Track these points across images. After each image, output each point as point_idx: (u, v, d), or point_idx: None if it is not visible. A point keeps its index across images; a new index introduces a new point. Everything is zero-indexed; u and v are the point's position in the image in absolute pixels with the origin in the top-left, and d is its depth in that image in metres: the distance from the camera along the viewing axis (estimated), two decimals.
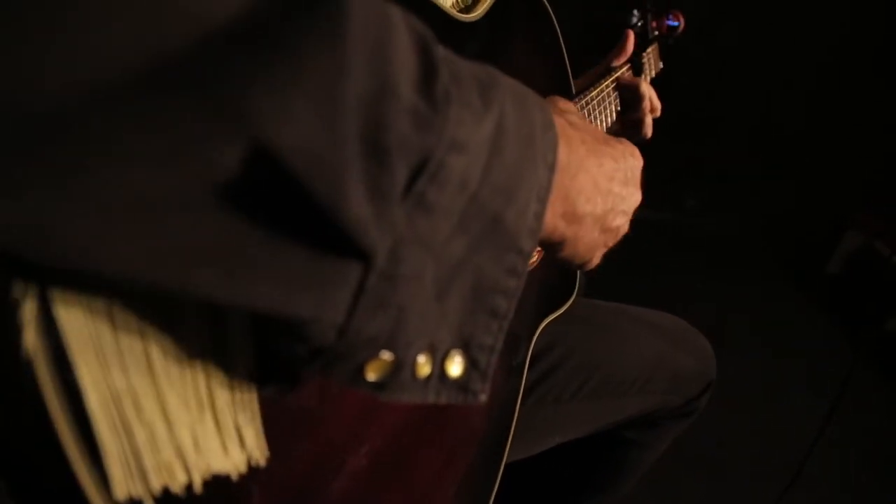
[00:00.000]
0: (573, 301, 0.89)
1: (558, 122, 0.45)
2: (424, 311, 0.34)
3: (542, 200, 0.39)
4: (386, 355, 0.33)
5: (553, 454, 1.00)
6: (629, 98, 1.10)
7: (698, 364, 1.10)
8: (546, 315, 0.83)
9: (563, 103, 0.56)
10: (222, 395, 0.35)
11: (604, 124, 1.02)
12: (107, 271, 0.24)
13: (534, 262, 0.78)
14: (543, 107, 0.41)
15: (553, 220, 0.48)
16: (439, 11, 0.61)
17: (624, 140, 0.60)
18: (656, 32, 1.41)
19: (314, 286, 0.29)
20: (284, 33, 0.25)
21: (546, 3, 0.83)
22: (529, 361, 0.81)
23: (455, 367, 0.37)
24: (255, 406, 0.37)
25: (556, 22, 0.85)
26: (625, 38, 1.13)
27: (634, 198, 0.58)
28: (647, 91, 1.09)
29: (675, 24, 1.45)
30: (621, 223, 0.57)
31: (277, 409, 0.41)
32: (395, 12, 0.30)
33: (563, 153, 0.44)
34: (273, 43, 0.24)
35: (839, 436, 2.02)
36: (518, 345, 0.74)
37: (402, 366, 0.34)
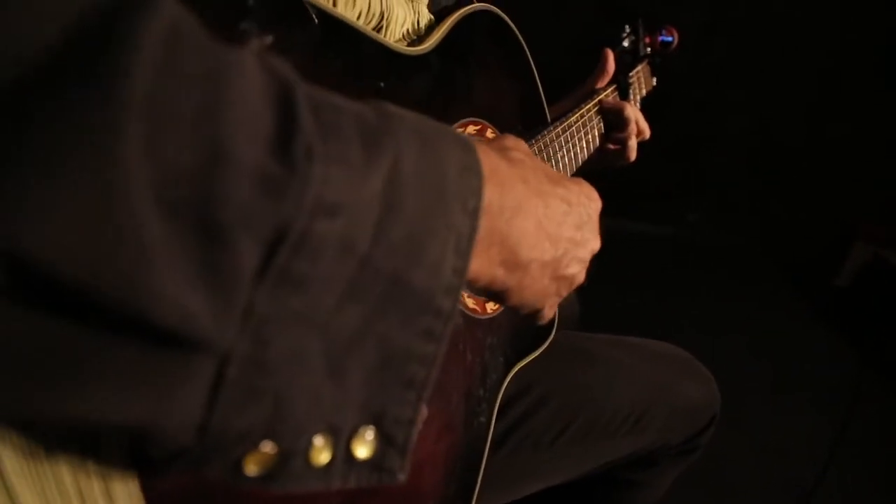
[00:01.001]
0: (550, 342, 0.84)
1: (490, 161, 0.41)
2: (315, 392, 0.30)
3: (464, 253, 0.35)
4: (268, 447, 0.29)
5: (543, 496, 0.94)
6: (614, 122, 1.05)
7: (701, 397, 1.04)
8: (517, 361, 0.77)
9: (512, 141, 0.51)
10: (95, 486, 0.31)
11: (585, 150, 0.96)
12: None
13: (498, 308, 0.73)
14: (465, 146, 0.37)
15: (490, 269, 0.43)
16: (379, 46, 0.56)
17: (581, 181, 0.55)
18: (649, 49, 1.37)
19: (148, 387, 0.25)
20: (32, 104, 0.20)
21: (513, 26, 0.78)
22: (501, 408, 0.75)
23: (363, 448, 0.33)
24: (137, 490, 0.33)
25: (525, 45, 0.80)
26: (604, 59, 1.08)
27: (591, 244, 0.53)
28: (633, 114, 1.04)
29: (669, 39, 1.40)
30: (576, 271, 0.52)
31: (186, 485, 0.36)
32: (243, 59, 0.26)
33: (493, 195, 0.40)
34: (16, 116, 0.20)
35: (849, 458, 1.95)
36: (479, 402, 0.68)
37: (291, 455, 0.30)
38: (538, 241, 0.46)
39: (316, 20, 0.49)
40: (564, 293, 0.53)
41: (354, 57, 0.53)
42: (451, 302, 0.35)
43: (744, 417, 2.09)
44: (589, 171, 1.12)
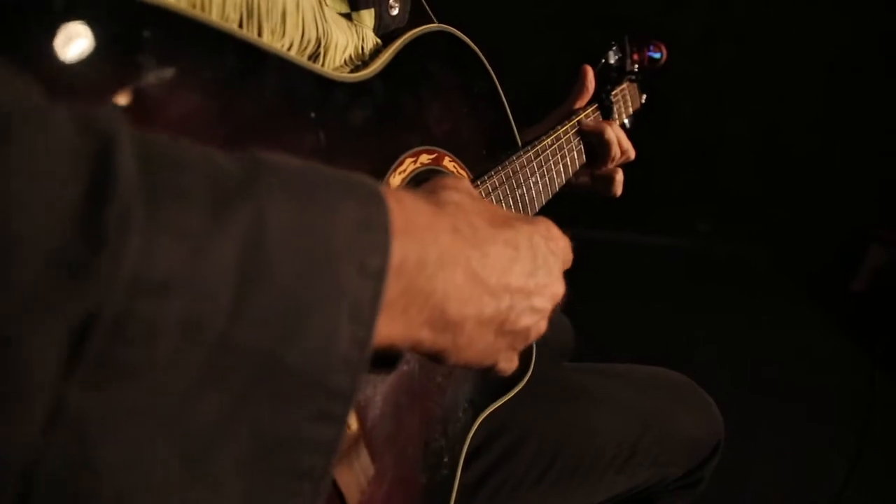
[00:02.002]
0: (526, 381, 0.78)
1: (406, 211, 0.36)
2: (171, 493, 0.27)
3: (365, 321, 0.31)
4: None
5: None
6: (595, 144, 0.99)
7: (701, 426, 0.97)
8: (485, 406, 0.71)
9: (450, 180, 0.46)
10: None
11: (562, 174, 0.91)
12: None
13: None
14: (368, 197, 0.33)
15: (412, 332, 0.38)
16: (310, 74, 0.52)
17: (538, 220, 0.50)
18: (636, 66, 1.31)
19: None
20: None
21: (473, 47, 0.73)
22: (470, 456, 0.70)
23: None
24: None
25: (488, 66, 0.76)
26: (582, 77, 1.02)
27: (550, 290, 0.48)
28: (614, 136, 0.98)
29: (658, 55, 1.35)
30: (530, 323, 0.46)
31: None
32: (43, 113, 0.22)
33: (408, 250, 0.35)
34: None
35: (870, 472, 1.87)
36: (440, 454, 0.63)
37: None
38: (473, 296, 0.41)
39: (231, 50, 0.45)
40: (520, 346, 0.48)
41: (280, 87, 0.49)
42: (349, 379, 0.31)
43: (761, 428, 2.04)
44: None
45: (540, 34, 3.08)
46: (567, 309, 1.29)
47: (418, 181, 0.64)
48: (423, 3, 0.78)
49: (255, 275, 0.27)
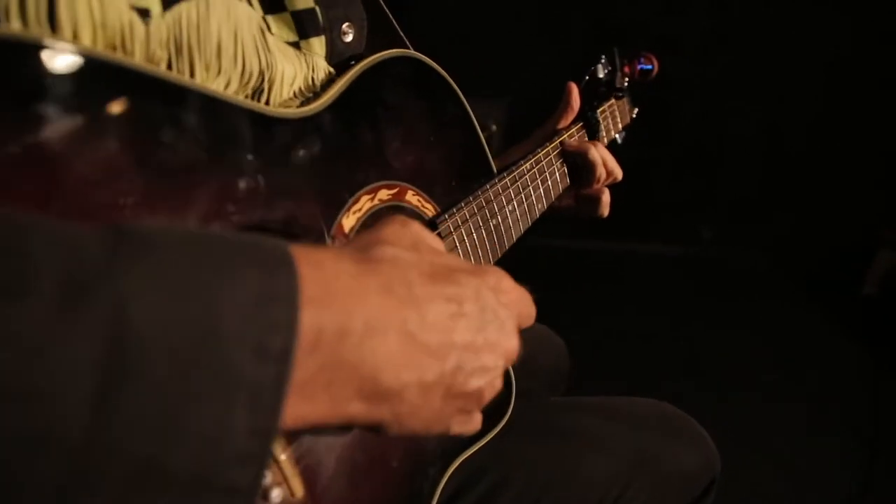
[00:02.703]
0: (505, 423, 0.73)
1: (324, 276, 0.33)
2: None
3: (268, 408, 0.28)
4: None
5: None
6: (580, 165, 0.94)
7: (695, 462, 0.92)
8: (458, 453, 0.67)
9: (388, 231, 0.42)
10: None
11: (543, 200, 0.87)
12: None
13: None
14: (273, 264, 0.30)
15: (340, 409, 0.34)
16: (247, 113, 0.48)
17: (487, 270, 0.45)
18: (626, 80, 1.27)
19: None
20: None
21: (440, 71, 0.69)
22: (451, 497, 0.65)
23: None
24: None
25: (457, 90, 0.71)
26: (567, 94, 0.98)
27: (502, 347, 0.43)
28: (598, 156, 0.93)
29: (649, 67, 1.31)
30: (481, 383, 0.42)
31: None
32: None
33: (325, 320, 0.32)
34: None
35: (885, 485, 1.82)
36: None
37: None
38: (411, 360, 0.37)
39: (153, 94, 0.41)
40: (474, 408, 0.44)
41: (211, 130, 0.45)
42: (249, 474, 0.28)
43: (774, 438, 2.00)
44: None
45: (538, 46, 3.04)
46: (565, 327, 1.25)
47: (379, 218, 0.60)
48: (392, 24, 0.74)
49: (122, 373, 0.24)
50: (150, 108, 0.41)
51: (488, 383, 0.43)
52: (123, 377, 0.24)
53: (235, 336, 0.27)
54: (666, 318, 2.72)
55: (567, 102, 0.98)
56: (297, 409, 0.31)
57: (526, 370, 0.71)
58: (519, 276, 0.47)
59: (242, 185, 0.47)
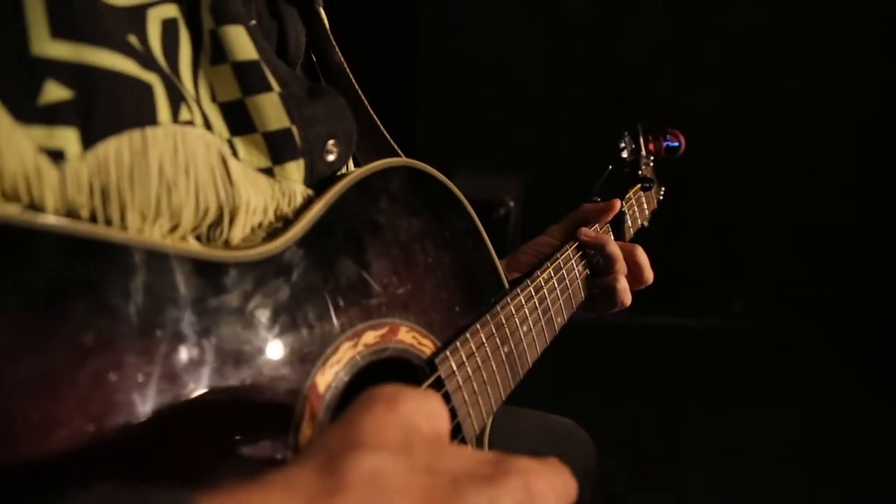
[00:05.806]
0: None
1: None
2: None
3: None
4: None
5: None
6: (597, 260, 0.85)
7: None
8: None
9: (357, 429, 0.31)
10: None
11: (562, 314, 0.76)
12: None
13: None
14: None
15: None
16: (186, 262, 0.39)
17: (509, 470, 0.33)
18: (652, 158, 1.18)
19: None
20: None
21: (443, 180, 0.60)
22: None
23: None
24: None
25: (464, 200, 0.63)
26: (608, 209, 0.90)
27: None
28: (618, 251, 0.84)
29: (675, 144, 1.22)
30: None
31: None
32: None
33: None
34: None
35: None
36: None
37: None
38: None
39: (54, 255, 0.33)
40: None
41: (141, 291, 0.36)
42: None
43: None
44: None
45: (555, 117, 3.00)
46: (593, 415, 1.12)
47: (377, 361, 0.51)
48: (383, 133, 0.66)
49: None
50: (59, 274, 0.33)
51: None
52: None
53: None
54: (703, 393, 2.59)
55: (603, 216, 0.89)
56: None
57: None
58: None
59: (184, 356, 0.37)
